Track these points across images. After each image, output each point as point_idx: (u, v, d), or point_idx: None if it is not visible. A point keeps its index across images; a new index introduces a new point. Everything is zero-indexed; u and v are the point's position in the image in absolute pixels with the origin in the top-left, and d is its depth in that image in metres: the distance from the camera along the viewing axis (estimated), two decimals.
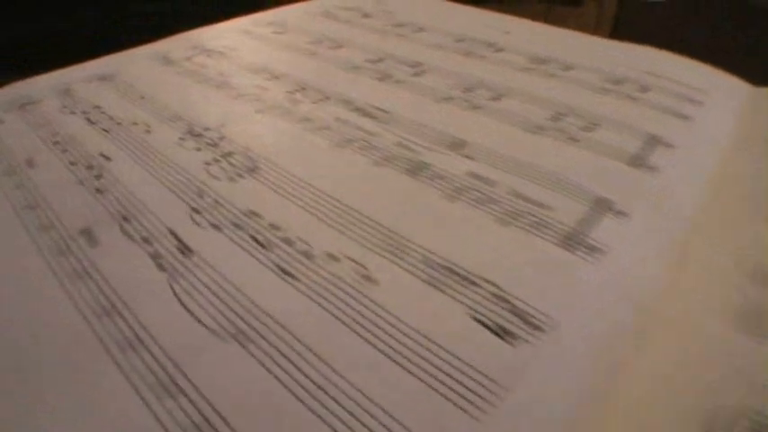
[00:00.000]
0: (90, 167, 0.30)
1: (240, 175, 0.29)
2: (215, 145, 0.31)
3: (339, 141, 0.32)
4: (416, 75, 0.41)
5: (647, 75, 0.42)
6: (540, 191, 0.27)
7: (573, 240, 0.25)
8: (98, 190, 0.28)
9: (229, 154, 0.31)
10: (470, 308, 0.21)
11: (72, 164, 0.30)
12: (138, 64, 0.43)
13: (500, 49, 0.47)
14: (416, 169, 0.29)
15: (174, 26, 0.50)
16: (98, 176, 0.29)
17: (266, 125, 0.34)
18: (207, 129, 0.33)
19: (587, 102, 0.37)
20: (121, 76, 0.41)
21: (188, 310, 0.21)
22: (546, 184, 0.28)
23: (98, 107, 0.36)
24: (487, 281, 0.22)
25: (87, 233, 0.25)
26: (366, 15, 0.54)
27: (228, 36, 0.49)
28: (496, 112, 0.35)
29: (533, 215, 0.26)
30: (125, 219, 0.26)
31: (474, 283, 0.22)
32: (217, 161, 0.30)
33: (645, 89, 0.39)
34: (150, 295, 0.22)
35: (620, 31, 0.93)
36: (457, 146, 0.32)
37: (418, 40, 0.48)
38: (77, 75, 0.41)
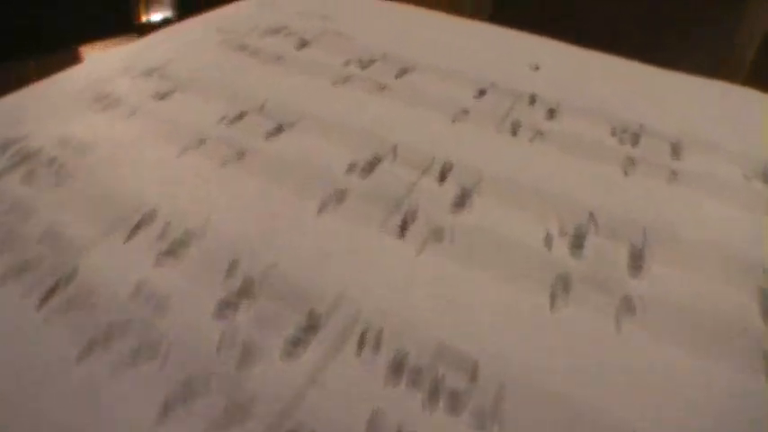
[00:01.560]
0: None
1: None
2: None
3: None
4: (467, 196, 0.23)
5: None
6: None
7: None
8: None
9: None
10: None
11: None
12: None
13: (552, 112, 0.29)
14: None
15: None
16: None
17: None
18: None
19: None
20: None
21: None
22: None
23: None
24: None
25: None
26: (304, 44, 0.33)
27: (63, 109, 0.25)
28: None
29: None
30: None
31: None
32: None
33: None
34: None
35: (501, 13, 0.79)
36: None
37: (413, 95, 0.28)
38: None
